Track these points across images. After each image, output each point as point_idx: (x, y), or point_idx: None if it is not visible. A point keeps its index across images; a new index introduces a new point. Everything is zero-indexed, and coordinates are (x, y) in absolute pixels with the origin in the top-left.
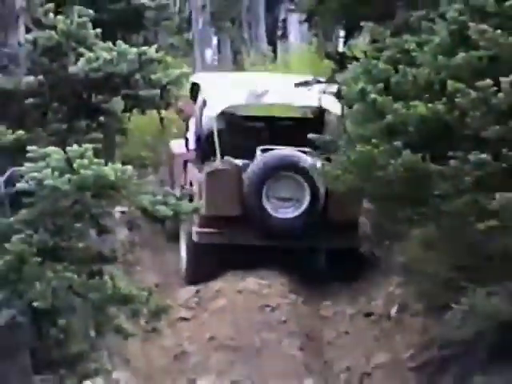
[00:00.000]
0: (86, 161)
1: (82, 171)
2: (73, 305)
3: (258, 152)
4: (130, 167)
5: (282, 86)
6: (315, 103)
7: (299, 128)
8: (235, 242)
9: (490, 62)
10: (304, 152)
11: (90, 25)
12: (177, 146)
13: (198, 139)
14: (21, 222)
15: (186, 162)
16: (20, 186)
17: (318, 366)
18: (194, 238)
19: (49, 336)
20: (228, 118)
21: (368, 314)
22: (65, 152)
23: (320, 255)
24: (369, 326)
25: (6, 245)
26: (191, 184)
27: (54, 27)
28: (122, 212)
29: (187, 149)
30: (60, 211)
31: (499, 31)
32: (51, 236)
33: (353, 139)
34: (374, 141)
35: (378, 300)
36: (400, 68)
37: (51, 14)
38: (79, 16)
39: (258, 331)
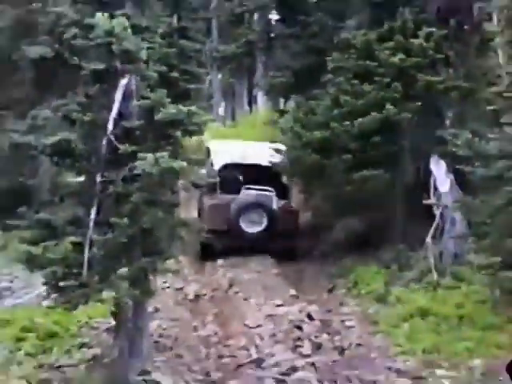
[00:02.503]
0: (164, 160)
1: (163, 165)
2: (160, 225)
3: (243, 190)
4: (185, 163)
5: (259, 149)
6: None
7: (267, 175)
8: (224, 244)
9: (349, 114)
10: (267, 190)
11: (165, 97)
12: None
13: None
14: (143, 188)
15: (201, 195)
16: (135, 171)
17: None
18: (204, 241)
19: (150, 240)
20: (226, 169)
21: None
22: (154, 156)
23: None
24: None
25: (130, 198)
26: (203, 208)
27: (148, 98)
28: (181, 183)
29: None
30: (153, 183)
31: (354, 99)
32: (149, 194)
33: (291, 151)
34: (298, 150)
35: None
36: (308, 116)
37: (144, 92)
38: (161, 93)
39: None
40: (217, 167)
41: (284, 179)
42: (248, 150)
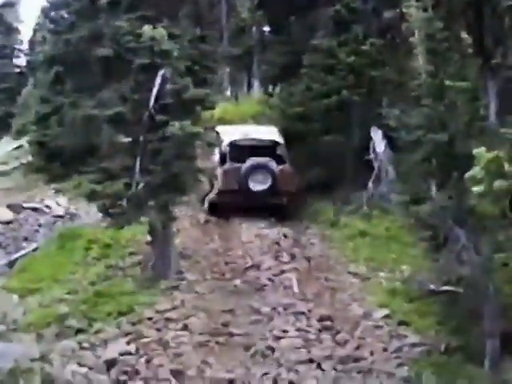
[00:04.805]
0: (188, 126)
1: (186, 129)
2: (184, 171)
3: (248, 160)
4: (202, 129)
5: (256, 130)
6: (271, 138)
7: (266, 148)
8: (234, 202)
9: (318, 96)
10: (268, 159)
11: (190, 83)
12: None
13: (220, 155)
14: (172, 146)
15: (212, 170)
16: (167, 134)
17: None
18: (215, 200)
19: (177, 181)
20: (233, 145)
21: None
22: (181, 123)
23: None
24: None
25: (163, 152)
26: (215, 176)
27: (178, 83)
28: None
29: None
30: (179, 142)
31: (321, 86)
32: (176, 150)
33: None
34: (282, 121)
35: None
36: (289, 97)
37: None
38: (187, 80)
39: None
40: (225, 144)
41: (279, 150)
42: (248, 131)
